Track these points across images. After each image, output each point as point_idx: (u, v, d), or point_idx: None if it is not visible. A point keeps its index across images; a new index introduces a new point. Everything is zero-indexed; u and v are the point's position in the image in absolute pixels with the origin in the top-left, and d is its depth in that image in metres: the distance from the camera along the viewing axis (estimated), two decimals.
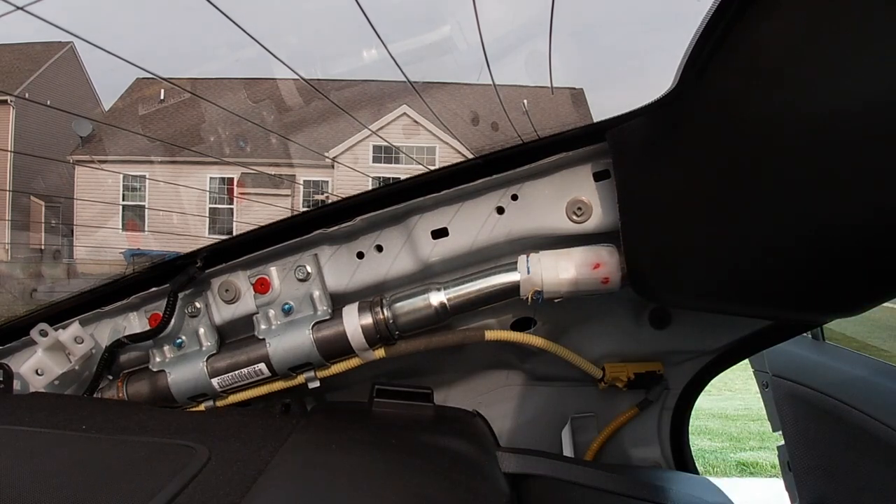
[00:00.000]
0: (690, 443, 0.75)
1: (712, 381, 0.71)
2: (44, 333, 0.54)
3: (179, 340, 0.58)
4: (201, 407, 0.57)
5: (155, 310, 0.59)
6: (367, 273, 0.58)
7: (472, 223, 0.56)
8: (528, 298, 0.53)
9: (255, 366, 0.54)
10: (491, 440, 0.62)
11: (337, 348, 0.54)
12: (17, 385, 0.56)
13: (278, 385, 0.56)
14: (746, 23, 0.36)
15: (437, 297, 0.54)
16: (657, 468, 0.70)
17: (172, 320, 0.56)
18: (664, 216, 0.47)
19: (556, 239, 0.55)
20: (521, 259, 0.53)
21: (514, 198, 0.55)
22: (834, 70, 0.32)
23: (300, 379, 0.56)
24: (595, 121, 0.52)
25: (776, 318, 0.60)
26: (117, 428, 0.46)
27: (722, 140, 0.40)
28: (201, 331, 0.58)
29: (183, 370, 0.56)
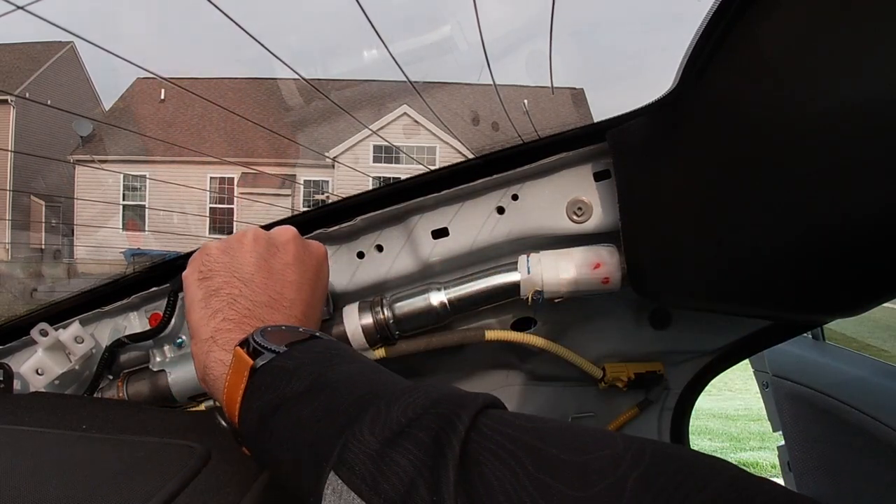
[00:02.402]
0: (691, 443, 0.75)
1: (712, 381, 0.71)
2: (44, 333, 0.54)
3: (180, 340, 0.58)
4: (202, 406, 0.57)
5: (155, 309, 0.59)
6: (368, 273, 0.58)
7: (473, 223, 0.56)
8: (528, 298, 0.53)
9: None
10: None
11: None
12: (17, 385, 0.56)
13: None
14: (746, 23, 0.36)
15: (437, 297, 0.54)
16: None
17: (173, 320, 0.56)
18: (665, 216, 0.47)
19: (556, 239, 0.55)
20: (522, 259, 0.53)
21: (515, 198, 0.55)
22: (835, 69, 0.32)
23: None
24: (595, 121, 0.52)
25: (776, 319, 0.60)
26: (117, 428, 0.46)
27: (722, 140, 0.40)
28: None
29: (183, 370, 0.56)
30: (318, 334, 0.38)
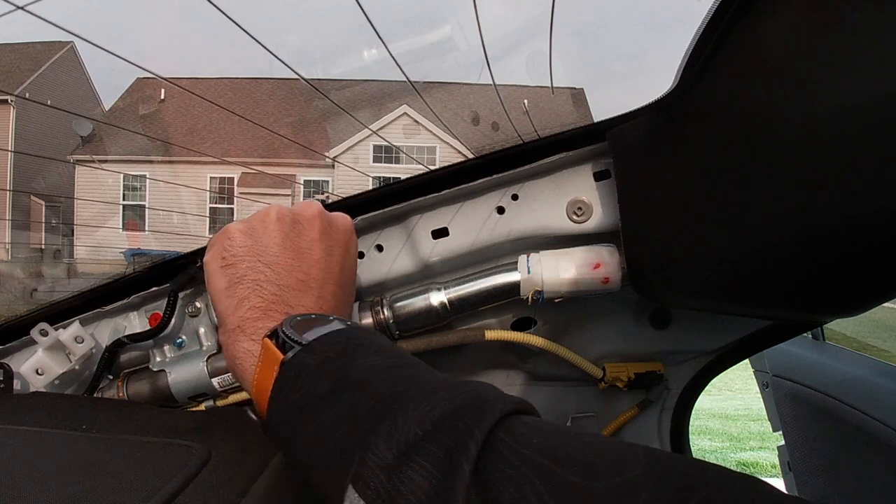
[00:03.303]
0: (691, 443, 0.75)
1: (712, 381, 0.71)
2: (44, 333, 0.54)
3: (180, 340, 0.58)
4: (202, 406, 0.57)
5: (155, 309, 0.59)
6: (368, 273, 0.58)
7: (473, 223, 0.56)
8: (528, 298, 0.53)
9: None
10: None
11: None
12: (17, 385, 0.56)
13: None
14: (747, 22, 0.36)
15: (437, 297, 0.54)
16: None
17: (173, 320, 0.56)
18: (665, 216, 0.47)
19: (556, 239, 0.55)
20: (522, 259, 0.53)
21: (515, 197, 0.55)
22: (835, 69, 0.32)
23: None
24: (595, 121, 0.52)
25: (776, 319, 0.60)
26: (117, 428, 0.46)
27: (722, 140, 0.40)
28: (202, 330, 0.58)
29: (183, 370, 0.56)
30: (347, 323, 0.36)
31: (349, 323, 0.37)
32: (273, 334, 0.34)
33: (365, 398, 0.29)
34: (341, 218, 0.45)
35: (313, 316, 0.36)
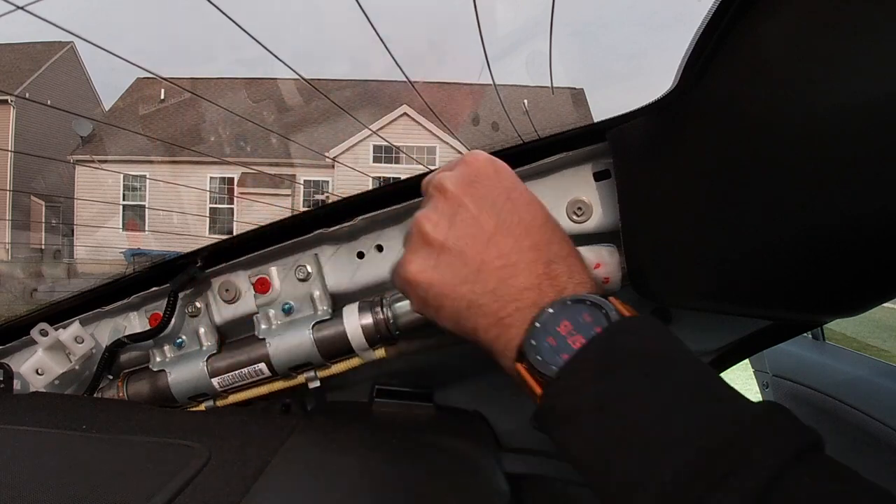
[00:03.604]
0: None
1: None
2: (44, 333, 0.54)
3: (180, 340, 0.58)
4: (201, 407, 0.57)
5: (155, 309, 0.59)
6: (368, 273, 0.58)
7: None
8: None
9: (256, 365, 0.54)
10: (492, 440, 0.62)
11: (337, 348, 0.54)
12: (17, 385, 0.56)
13: (279, 385, 0.56)
14: (747, 22, 0.36)
15: None
16: None
17: (173, 320, 0.56)
18: (665, 216, 0.47)
19: None
20: None
21: None
22: (836, 69, 0.32)
23: (301, 379, 0.56)
24: (595, 121, 0.52)
25: (776, 319, 0.60)
26: (117, 428, 0.46)
27: (722, 140, 0.40)
28: (202, 330, 0.58)
29: (183, 370, 0.56)
30: (591, 302, 0.32)
31: (593, 300, 0.32)
32: (520, 355, 0.32)
33: (624, 437, 0.27)
34: (476, 163, 0.37)
35: (550, 311, 0.32)
